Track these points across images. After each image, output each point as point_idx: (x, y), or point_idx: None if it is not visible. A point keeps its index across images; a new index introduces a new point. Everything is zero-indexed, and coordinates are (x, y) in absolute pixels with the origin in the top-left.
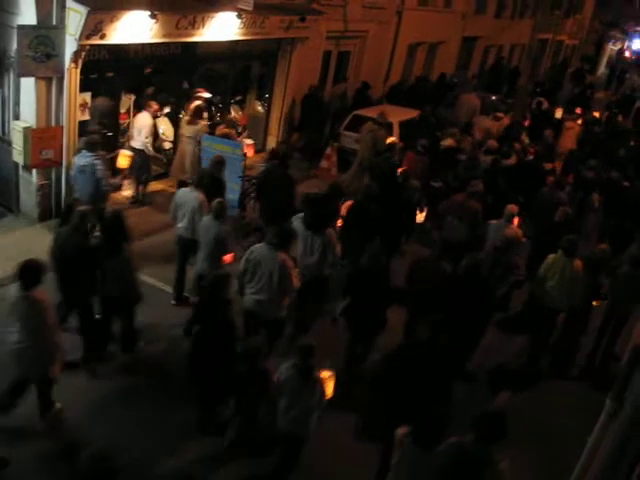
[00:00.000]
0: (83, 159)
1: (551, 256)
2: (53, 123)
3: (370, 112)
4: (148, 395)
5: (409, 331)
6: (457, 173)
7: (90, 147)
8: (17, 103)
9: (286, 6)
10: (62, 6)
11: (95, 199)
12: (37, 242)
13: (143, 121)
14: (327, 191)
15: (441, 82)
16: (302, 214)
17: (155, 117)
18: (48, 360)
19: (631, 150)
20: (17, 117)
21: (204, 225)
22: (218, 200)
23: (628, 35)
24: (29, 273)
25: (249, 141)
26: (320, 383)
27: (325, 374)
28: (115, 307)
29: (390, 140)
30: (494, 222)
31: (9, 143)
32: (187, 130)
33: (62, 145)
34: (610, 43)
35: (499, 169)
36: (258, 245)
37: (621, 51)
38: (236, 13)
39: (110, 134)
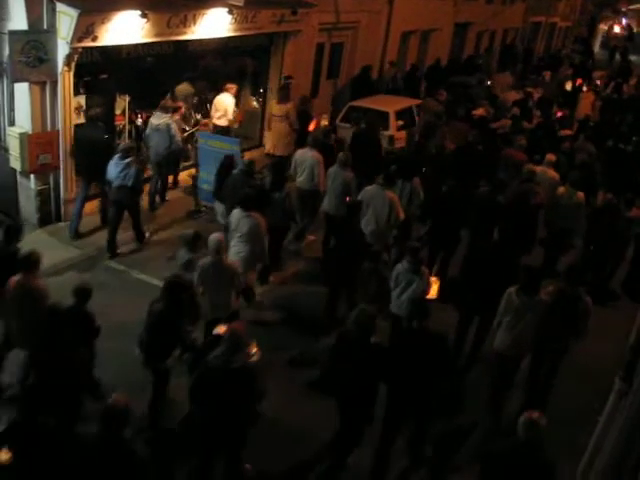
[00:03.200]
0: (158, 119)
1: (561, 188)
2: (49, 128)
3: (365, 103)
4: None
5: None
6: (506, 137)
7: (164, 109)
8: (12, 109)
9: (277, 0)
10: (52, 10)
11: (169, 154)
12: (38, 247)
13: (227, 101)
14: (413, 149)
15: (469, 63)
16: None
17: (235, 97)
18: (258, 263)
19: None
20: (12, 123)
21: (330, 173)
22: (343, 152)
23: (620, 14)
24: (250, 200)
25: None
26: (426, 276)
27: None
28: (277, 234)
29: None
30: (539, 168)
31: (5, 149)
32: (277, 110)
33: (59, 149)
34: (602, 23)
35: (541, 128)
36: (369, 187)
37: (611, 27)
38: (227, 9)
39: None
